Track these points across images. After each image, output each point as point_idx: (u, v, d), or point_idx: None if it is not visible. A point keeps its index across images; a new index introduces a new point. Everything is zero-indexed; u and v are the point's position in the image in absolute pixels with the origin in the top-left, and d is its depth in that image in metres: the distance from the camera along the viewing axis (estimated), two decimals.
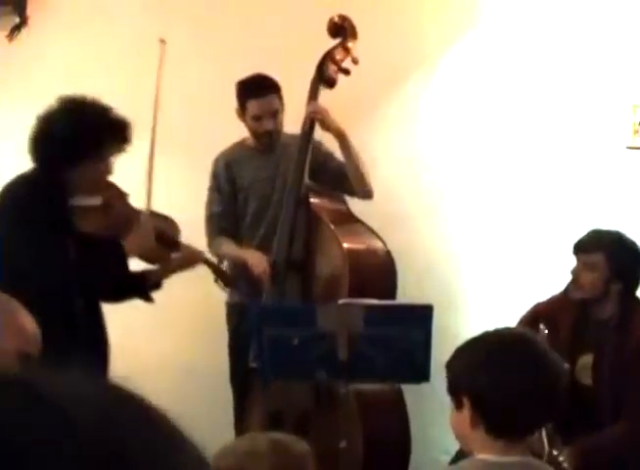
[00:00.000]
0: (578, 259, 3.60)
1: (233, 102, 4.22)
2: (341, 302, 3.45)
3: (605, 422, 3.47)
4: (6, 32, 4.84)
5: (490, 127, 4.64)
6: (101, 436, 0.60)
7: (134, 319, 4.84)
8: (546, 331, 3.59)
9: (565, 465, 3.33)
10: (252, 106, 4.09)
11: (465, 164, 4.67)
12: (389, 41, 4.59)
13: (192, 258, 3.63)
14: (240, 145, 4.29)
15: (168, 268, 3.56)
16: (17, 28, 4.84)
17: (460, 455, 3.67)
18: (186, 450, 0.65)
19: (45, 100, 3.44)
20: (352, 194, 4.15)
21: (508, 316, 4.06)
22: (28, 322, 2.06)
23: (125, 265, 3.42)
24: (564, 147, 4.57)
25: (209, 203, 4.26)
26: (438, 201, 4.70)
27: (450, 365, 2.03)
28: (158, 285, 3.56)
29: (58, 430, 0.60)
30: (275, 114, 4.11)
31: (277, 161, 4.16)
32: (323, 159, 4.14)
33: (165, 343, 4.81)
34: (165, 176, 4.08)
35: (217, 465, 1.92)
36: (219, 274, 3.78)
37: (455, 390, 1.99)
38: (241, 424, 4.07)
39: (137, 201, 3.50)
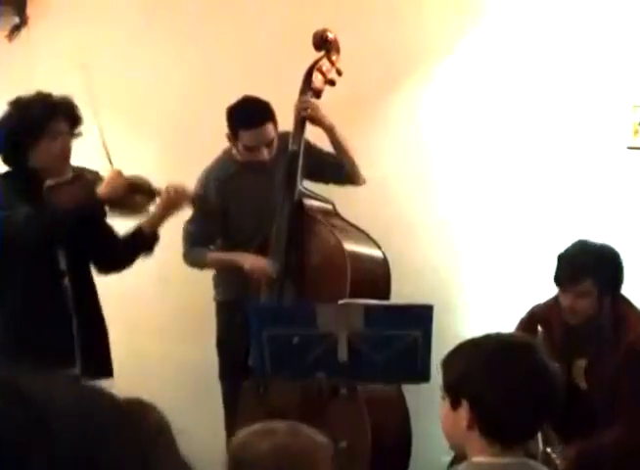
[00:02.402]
0: (567, 291, 3.53)
1: (213, 103, 4.19)
2: (341, 302, 3.45)
3: (601, 426, 3.46)
4: (6, 32, 4.84)
5: (491, 128, 4.64)
6: (74, 443, 0.61)
7: (139, 316, 4.85)
8: (541, 331, 3.60)
9: (557, 462, 3.33)
10: (245, 137, 3.95)
11: (466, 163, 4.67)
12: (391, 39, 4.58)
13: (178, 197, 3.68)
14: (227, 160, 4.15)
15: (158, 212, 3.68)
16: (17, 28, 4.83)
17: (458, 456, 3.68)
18: (162, 461, 0.66)
19: None
20: (352, 182, 4.16)
21: (507, 316, 4.06)
22: None
23: (112, 234, 3.66)
24: (564, 147, 4.56)
25: (190, 220, 4.12)
26: (439, 201, 4.69)
27: (450, 365, 2.04)
28: (155, 235, 3.70)
29: (34, 432, 0.61)
30: (270, 143, 3.98)
31: (271, 172, 4.06)
32: (317, 156, 4.12)
33: (170, 341, 4.82)
34: (126, 154, 4.12)
35: (236, 439, 1.93)
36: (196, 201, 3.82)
37: (454, 390, 2.00)
38: (232, 422, 4.04)
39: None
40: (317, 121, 4.04)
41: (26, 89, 3.65)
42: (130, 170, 3.67)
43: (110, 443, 0.63)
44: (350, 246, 3.98)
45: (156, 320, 4.85)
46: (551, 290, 3.83)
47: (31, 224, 3.40)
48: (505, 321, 3.96)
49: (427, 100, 4.70)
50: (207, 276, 4.35)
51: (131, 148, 4.65)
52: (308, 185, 4.18)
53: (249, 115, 3.94)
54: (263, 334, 3.32)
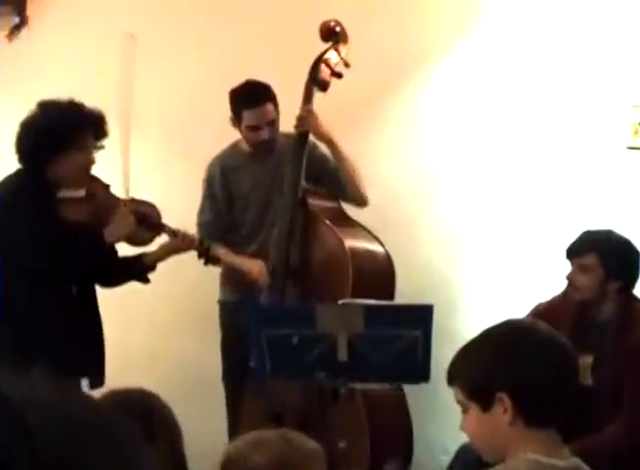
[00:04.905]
0: (572, 263, 3.63)
1: (215, 100, 4.20)
2: (340, 302, 3.44)
3: (606, 423, 3.46)
4: (6, 32, 4.84)
5: (491, 128, 4.64)
6: (55, 442, 0.60)
7: (126, 316, 4.85)
8: None
9: None
10: (248, 116, 4.02)
11: (466, 164, 4.67)
12: (391, 41, 4.59)
13: (184, 243, 3.72)
14: (235, 149, 4.22)
15: (162, 251, 3.73)
16: (17, 28, 4.84)
17: (462, 455, 3.67)
18: (141, 460, 0.66)
19: None
20: (345, 200, 4.14)
21: (508, 316, 4.05)
22: None
23: (113, 251, 3.66)
24: (564, 147, 4.56)
25: (201, 210, 4.22)
26: (439, 201, 4.69)
27: (466, 369, 1.98)
28: (152, 267, 3.74)
29: (15, 433, 0.60)
30: (271, 123, 4.05)
31: (275, 165, 4.10)
32: (319, 161, 4.10)
33: (157, 340, 4.82)
34: (143, 170, 4.12)
35: (227, 453, 1.92)
36: (204, 254, 3.81)
37: (485, 389, 1.93)
38: (235, 423, 4.05)
39: (118, 192, 3.65)
40: (317, 135, 4.03)
41: (26, 89, 3.65)
42: (131, 172, 3.67)
43: (91, 442, 0.63)
44: (353, 245, 3.96)
45: (156, 318, 4.85)
46: (552, 289, 3.83)
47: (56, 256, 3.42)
48: None
49: (427, 100, 4.70)
50: (211, 274, 4.35)
51: (133, 150, 4.65)
52: None
53: (250, 95, 4.04)
54: (263, 334, 3.32)
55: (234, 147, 4.22)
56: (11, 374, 0.65)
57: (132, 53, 3.60)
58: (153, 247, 3.77)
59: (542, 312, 3.73)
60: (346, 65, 4.04)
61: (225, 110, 4.14)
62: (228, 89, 4.14)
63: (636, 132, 4.50)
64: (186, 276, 4.69)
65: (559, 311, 3.67)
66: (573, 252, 3.62)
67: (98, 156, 3.56)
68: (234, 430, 3.93)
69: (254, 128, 4.04)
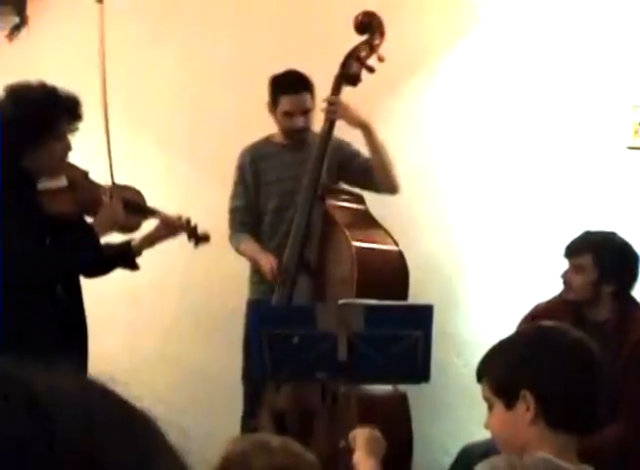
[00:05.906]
0: (569, 262, 3.65)
1: (222, 96, 4.17)
2: (341, 302, 3.44)
3: (604, 425, 3.46)
4: (6, 32, 4.84)
5: (493, 128, 4.64)
6: (77, 439, 0.60)
7: (143, 317, 4.85)
8: None
9: None
10: (285, 102, 4.08)
11: (467, 163, 4.67)
12: (393, 40, 4.57)
13: (171, 226, 3.65)
14: (267, 140, 4.28)
15: (150, 238, 3.64)
16: (17, 28, 4.84)
17: (463, 457, 3.67)
18: (164, 458, 0.65)
19: None
20: (377, 189, 4.14)
21: (508, 316, 4.05)
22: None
23: (98, 241, 3.48)
24: (564, 147, 4.56)
25: (233, 196, 4.27)
26: (441, 201, 4.69)
27: (494, 366, 2.01)
28: (139, 253, 3.63)
29: (38, 431, 0.59)
30: (307, 112, 4.10)
31: (304, 159, 4.09)
32: (350, 156, 4.13)
33: (168, 344, 4.81)
34: (128, 154, 4.10)
35: (229, 450, 1.92)
36: (193, 235, 3.73)
37: (509, 386, 1.96)
38: (248, 424, 4.05)
39: (99, 176, 3.55)
40: (349, 121, 4.02)
41: None
42: (132, 172, 3.67)
43: (114, 441, 0.62)
44: (361, 245, 3.93)
45: (168, 322, 4.85)
46: (553, 290, 3.83)
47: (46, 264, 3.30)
48: (507, 321, 3.96)
49: (429, 100, 4.70)
50: (222, 277, 4.35)
51: (132, 149, 4.65)
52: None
53: (291, 81, 4.10)
54: (263, 334, 3.32)
55: (266, 138, 4.29)
56: (37, 369, 0.64)
57: (101, 19, 3.53)
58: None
59: (541, 313, 3.74)
60: (380, 59, 3.96)
61: (234, 106, 4.14)
62: (237, 87, 4.14)
63: (636, 132, 4.50)
64: (197, 279, 4.70)
65: (556, 312, 3.67)
66: (571, 251, 3.65)
67: (80, 147, 3.44)
68: (248, 431, 3.93)
69: (289, 115, 4.10)
